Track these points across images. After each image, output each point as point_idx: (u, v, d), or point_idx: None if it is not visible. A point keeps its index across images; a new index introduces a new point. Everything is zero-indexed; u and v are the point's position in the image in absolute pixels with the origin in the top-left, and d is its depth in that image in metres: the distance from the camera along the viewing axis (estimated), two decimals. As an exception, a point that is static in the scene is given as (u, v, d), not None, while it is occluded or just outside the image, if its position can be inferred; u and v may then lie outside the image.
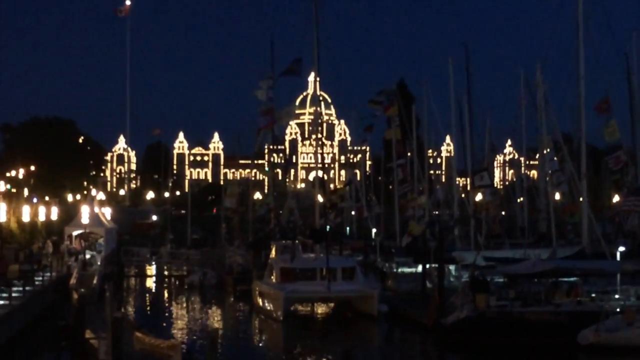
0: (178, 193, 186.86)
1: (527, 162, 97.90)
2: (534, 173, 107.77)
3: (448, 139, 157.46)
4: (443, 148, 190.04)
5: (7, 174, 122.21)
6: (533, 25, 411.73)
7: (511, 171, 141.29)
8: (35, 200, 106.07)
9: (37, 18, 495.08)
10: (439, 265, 48.92)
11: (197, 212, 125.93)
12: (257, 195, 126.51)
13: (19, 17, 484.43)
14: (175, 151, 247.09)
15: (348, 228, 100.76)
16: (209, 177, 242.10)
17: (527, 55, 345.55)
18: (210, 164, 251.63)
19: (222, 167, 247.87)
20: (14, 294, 45.03)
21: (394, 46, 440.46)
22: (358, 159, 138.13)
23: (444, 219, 75.94)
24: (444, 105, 79.75)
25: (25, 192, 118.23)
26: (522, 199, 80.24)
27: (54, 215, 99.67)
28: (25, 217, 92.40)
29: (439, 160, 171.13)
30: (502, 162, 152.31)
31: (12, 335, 39.76)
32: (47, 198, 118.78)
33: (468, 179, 77.31)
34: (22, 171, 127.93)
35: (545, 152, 59.37)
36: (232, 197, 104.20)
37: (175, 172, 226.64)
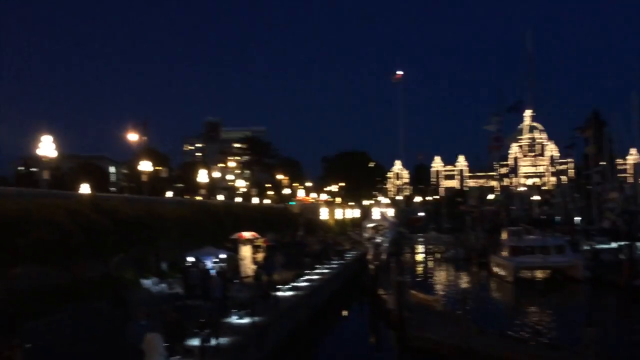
0: (436, 197, 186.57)
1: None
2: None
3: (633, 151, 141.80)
4: (629, 157, 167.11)
5: (327, 189, 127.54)
6: None
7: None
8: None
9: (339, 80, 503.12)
10: (630, 242, 45.76)
11: (449, 209, 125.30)
12: (490, 196, 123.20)
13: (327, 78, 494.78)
14: (434, 169, 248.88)
15: (558, 217, 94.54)
16: (456, 186, 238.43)
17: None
18: (457, 177, 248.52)
19: (465, 178, 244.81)
20: (333, 265, 47.92)
21: (588, 80, 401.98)
22: (566, 167, 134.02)
23: (632, 209, 68.92)
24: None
25: (337, 200, 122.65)
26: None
27: (356, 214, 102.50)
28: (338, 216, 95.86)
29: (626, 166, 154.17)
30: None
31: (334, 290, 41.56)
32: (351, 203, 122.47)
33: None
34: (335, 187, 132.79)
35: None
36: (473, 198, 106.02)
37: (434, 183, 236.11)
